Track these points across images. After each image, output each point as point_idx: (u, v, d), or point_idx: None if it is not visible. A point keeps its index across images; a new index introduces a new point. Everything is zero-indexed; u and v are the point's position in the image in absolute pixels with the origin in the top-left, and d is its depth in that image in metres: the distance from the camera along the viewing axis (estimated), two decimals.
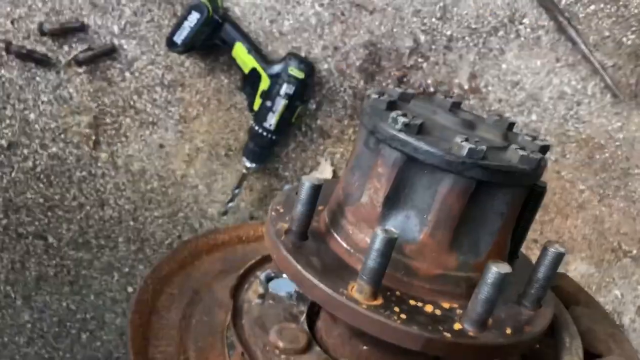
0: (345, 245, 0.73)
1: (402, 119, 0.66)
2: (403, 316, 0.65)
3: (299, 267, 0.69)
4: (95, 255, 2.02)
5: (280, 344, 0.77)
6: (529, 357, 0.83)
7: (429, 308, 0.68)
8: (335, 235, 0.75)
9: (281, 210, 0.79)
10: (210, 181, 1.87)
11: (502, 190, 0.69)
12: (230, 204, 1.84)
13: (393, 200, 0.70)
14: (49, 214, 1.95)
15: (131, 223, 1.95)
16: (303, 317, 0.85)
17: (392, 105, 0.73)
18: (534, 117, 1.68)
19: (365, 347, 0.78)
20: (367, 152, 0.73)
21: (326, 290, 0.66)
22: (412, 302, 0.68)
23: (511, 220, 0.74)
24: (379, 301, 0.67)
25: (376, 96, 0.75)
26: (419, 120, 0.67)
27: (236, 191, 1.82)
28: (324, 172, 1.81)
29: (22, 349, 2.20)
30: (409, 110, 0.74)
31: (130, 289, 2.04)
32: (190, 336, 0.83)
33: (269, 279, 0.90)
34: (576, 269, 1.73)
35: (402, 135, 0.66)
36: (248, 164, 1.76)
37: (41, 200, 1.94)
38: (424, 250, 0.69)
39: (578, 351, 0.77)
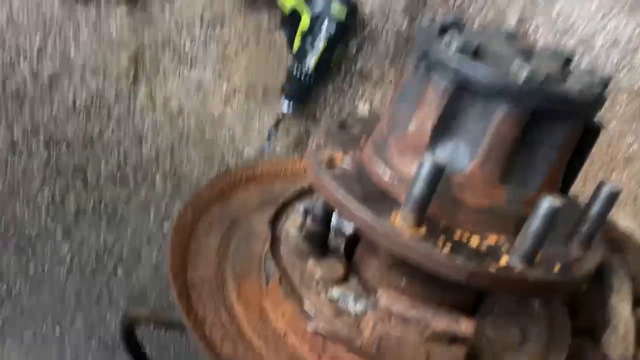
0: (389, 175, 0.71)
1: (456, 41, 0.63)
2: (448, 247, 0.64)
3: (341, 193, 0.67)
4: (132, 192, 2.05)
5: (318, 273, 0.76)
6: (573, 301, 0.81)
7: (474, 241, 0.66)
8: (379, 165, 0.73)
9: (323, 141, 0.78)
10: (247, 122, 1.86)
11: (559, 122, 0.65)
12: (266, 146, 1.83)
13: (442, 129, 0.67)
14: (89, 149, 1.98)
15: (168, 161, 1.97)
16: (342, 248, 0.84)
17: (445, 30, 0.70)
18: (584, 64, 1.60)
19: (404, 279, 0.77)
20: (416, 80, 0.70)
21: (368, 216, 0.65)
22: (457, 234, 0.67)
23: (565, 156, 0.70)
24: (424, 231, 0.65)
25: (429, 21, 0.71)
26: (474, 43, 0.63)
27: (272, 133, 1.81)
28: None
29: (62, 280, 2.27)
30: (463, 36, 0.70)
31: (166, 227, 2.07)
32: (228, 262, 0.83)
33: (307, 211, 0.89)
34: (620, 223, 1.68)
35: (455, 58, 0.63)
36: (285, 106, 1.74)
37: (81, 135, 1.96)
38: (472, 182, 0.67)
39: (627, 295, 0.74)
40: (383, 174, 0.72)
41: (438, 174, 0.61)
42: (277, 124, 1.78)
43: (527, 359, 0.75)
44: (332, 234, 0.83)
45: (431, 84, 0.67)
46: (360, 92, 1.78)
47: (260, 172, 1.03)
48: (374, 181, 0.72)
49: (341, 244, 0.83)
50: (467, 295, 0.80)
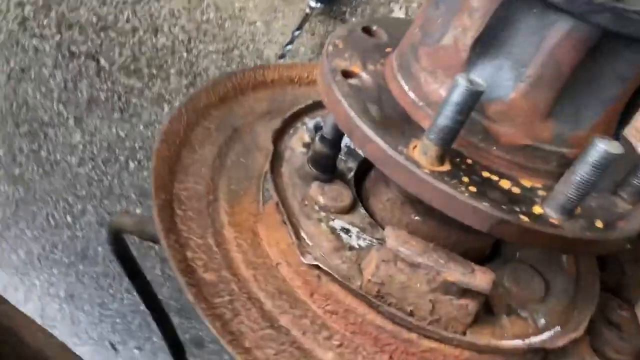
0: (412, 95, 0.60)
1: None
2: (472, 188, 0.53)
3: (352, 113, 0.56)
4: (146, 85, 1.95)
5: (321, 200, 0.67)
6: (612, 260, 0.71)
7: (505, 184, 0.56)
8: (402, 82, 0.61)
9: (341, 46, 0.65)
10: (270, 18, 1.71)
11: (631, 48, 0.52)
12: (289, 47, 1.69)
13: (485, 45, 0.55)
14: (102, 35, 1.86)
15: (184, 55, 1.85)
16: (351, 175, 0.74)
17: None
18: None
19: (417, 217, 0.67)
20: None
21: (383, 145, 0.54)
22: (485, 173, 0.56)
23: (628, 92, 0.58)
24: (446, 167, 0.54)
25: None
26: None
27: (296, 33, 1.66)
28: None
29: (74, 168, 2.24)
30: None
31: None
32: (223, 177, 0.74)
33: (317, 128, 0.79)
34: None
35: None
36: (312, 3, 1.57)
37: (94, 19, 1.83)
38: (513, 113, 0.55)
39: None
40: (406, 93, 0.60)
41: (473, 98, 0.49)
42: (303, 21, 1.63)
43: (548, 316, 0.67)
44: (341, 157, 0.73)
45: None
46: None
47: (272, 77, 0.91)
48: (395, 102, 0.61)
49: (350, 170, 0.73)
50: (486, 239, 0.70)
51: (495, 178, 0.56)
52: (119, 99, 2.01)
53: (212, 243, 0.65)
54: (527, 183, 0.57)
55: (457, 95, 0.50)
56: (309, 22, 1.65)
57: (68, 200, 2.33)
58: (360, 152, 0.73)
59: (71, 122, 2.11)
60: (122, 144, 2.11)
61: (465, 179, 0.54)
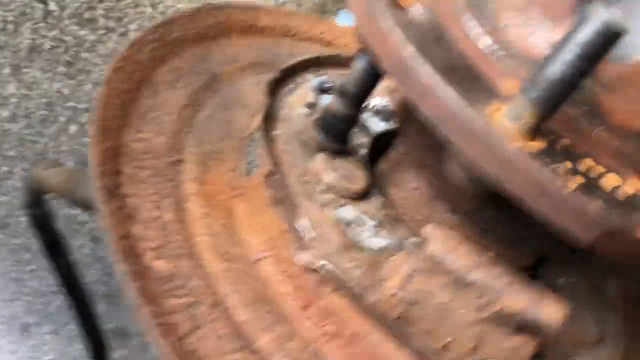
0: (488, 41, 0.42)
1: None
2: (580, 179, 0.36)
3: (409, 49, 0.38)
4: (100, 39, 1.71)
5: (329, 178, 0.48)
6: None
7: (611, 180, 0.39)
8: (472, 23, 0.43)
9: None
10: None
11: None
12: None
13: None
14: None
15: (149, 10, 1.62)
16: (362, 152, 0.56)
17: None
18: None
19: (452, 216, 0.50)
20: None
21: (455, 100, 0.36)
22: (588, 162, 0.39)
23: None
24: (540, 144, 0.37)
25: None
26: None
27: None
28: None
29: (4, 123, 1.96)
30: None
31: None
32: (193, 132, 0.54)
33: (323, 90, 0.60)
34: None
35: None
36: None
37: None
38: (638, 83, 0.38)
39: None
40: (477, 38, 0.42)
41: (610, 41, 0.32)
42: None
43: None
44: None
45: None
46: None
47: (265, 22, 0.72)
48: (458, 49, 0.43)
49: (362, 146, 0.55)
50: (531, 257, 0.54)
51: (601, 169, 0.39)
52: (66, 51, 1.76)
53: (170, 218, 0.45)
54: (636, 183, 0.40)
55: (587, 33, 0.32)
56: None
57: None
58: (380, 124, 0.54)
59: (6, 70, 1.84)
60: (63, 103, 1.86)
61: (568, 164, 0.36)
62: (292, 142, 0.51)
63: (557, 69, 0.33)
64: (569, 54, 0.33)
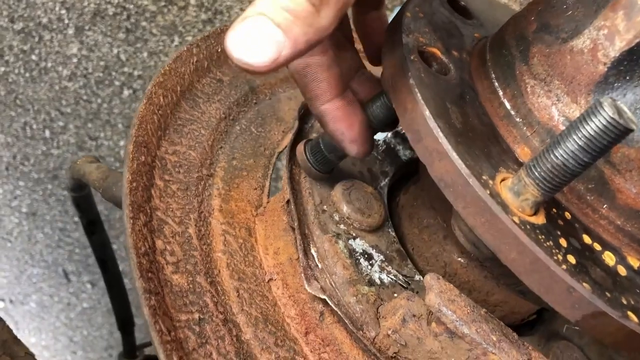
0: (508, 105, 0.43)
1: None
2: (572, 259, 0.37)
3: (427, 111, 0.40)
4: (160, 10, 1.76)
5: (345, 209, 0.51)
6: None
7: (609, 258, 0.40)
8: (496, 84, 0.45)
9: (421, 15, 0.49)
10: None
11: None
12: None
13: (635, 61, 0.38)
14: None
15: None
16: (385, 181, 0.58)
17: None
18: None
19: (460, 259, 0.52)
20: None
21: (462, 168, 0.38)
22: (586, 238, 0.40)
23: None
24: (540, 219, 0.38)
25: None
26: None
27: None
28: None
29: (63, 81, 2.04)
30: None
31: None
32: (226, 146, 0.57)
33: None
34: None
35: None
36: None
37: None
38: None
39: None
40: (499, 100, 0.44)
41: (617, 136, 0.33)
42: None
43: None
44: (376, 155, 0.57)
45: None
46: None
47: None
48: (481, 108, 0.44)
49: (386, 175, 0.57)
50: (534, 306, 0.55)
51: (597, 247, 0.40)
52: (128, 18, 1.82)
53: (193, 233, 0.49)
54: (634, 262, 0.41)
55: (595, 125, 0.33)
56: None
57: (50, 113, 2.15)
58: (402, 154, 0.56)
59: (71, 30, 1.91)
60: (120, 68, 1.92)
61: (563, 242, 0.38)
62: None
63: (560, 154, 0.35)
64: (574, 145, 0.34)
